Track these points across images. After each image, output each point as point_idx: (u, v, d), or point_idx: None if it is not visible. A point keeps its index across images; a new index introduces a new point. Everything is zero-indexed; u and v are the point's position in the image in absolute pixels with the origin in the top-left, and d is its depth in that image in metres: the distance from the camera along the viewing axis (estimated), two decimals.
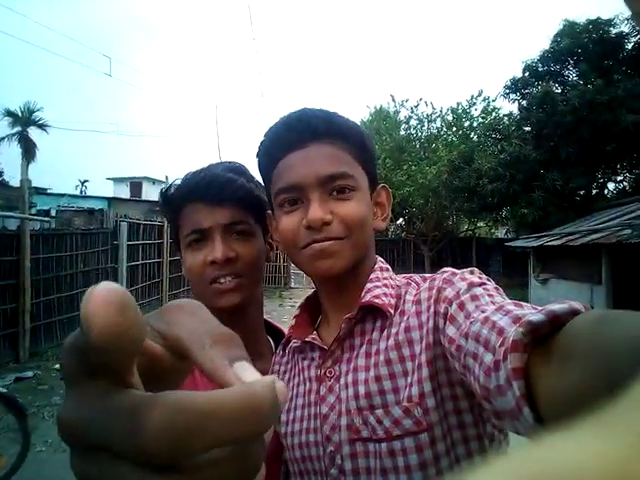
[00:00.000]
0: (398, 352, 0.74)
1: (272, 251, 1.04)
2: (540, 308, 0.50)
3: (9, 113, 30.30)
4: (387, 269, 0.87)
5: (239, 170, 0.99)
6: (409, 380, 0.72)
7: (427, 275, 0.83)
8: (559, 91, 13.11)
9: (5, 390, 3.87)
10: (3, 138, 30.30)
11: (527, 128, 13.46)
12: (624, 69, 12.49)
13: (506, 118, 15.08)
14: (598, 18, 12.89)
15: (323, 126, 0.80)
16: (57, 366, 6.66)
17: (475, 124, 17.48)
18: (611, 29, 12.78)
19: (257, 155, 0.87)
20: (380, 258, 0.89)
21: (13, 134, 30.40)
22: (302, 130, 0.80)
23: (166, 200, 0.99)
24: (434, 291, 0.74)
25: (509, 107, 25.17)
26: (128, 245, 9.60)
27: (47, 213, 13.44)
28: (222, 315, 0.90)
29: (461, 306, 0.66)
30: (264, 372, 0.85)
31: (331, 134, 0.80)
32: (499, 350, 0.50)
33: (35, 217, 8.98)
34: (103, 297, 0.21)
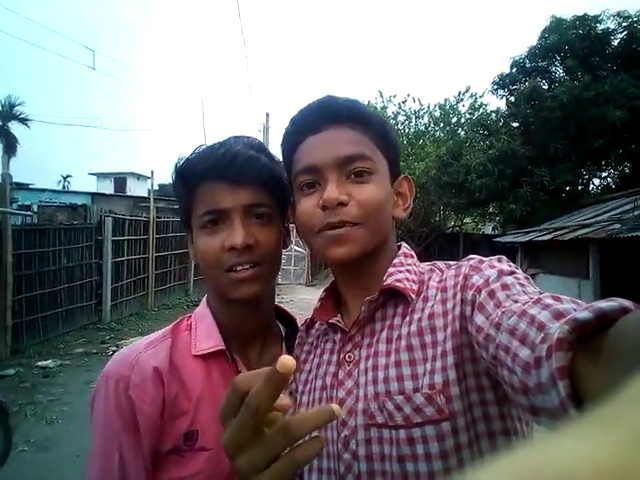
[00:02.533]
0: (420, 339, 0.73)
1: (288, 237, 0.96)
2: (587, 305, 0.49)
3: None
4: (411, 256, 0.86)
5: (260, 147, 0.91)
6: (429, 367, 0.70)
7: (451, 262, 0.82)
8: (546, 87, 13.19)
9: None
10: None
11: (515, 124, 13.53)
12: (610, 65, 12.60)
13: (494, 114, 15.15)
14: (585, 14, 12.97)
15: (345, 111, 0.80)
16: (40, 363, 6.51)
17: (462, 120, 17.57)
18: (598, 25, 12.86)
19: (281, 143, 0.88)
20: (406, 245, 0.88)
21: None
22: (323, 115, 0.81)
23: (180, 175, 0.89)
24: (460, 278, 0.73)
25: (497, 103, 25.34)
26: (113, 240, 9.43)
27: (28, 208, 13.17)
28: (237, 305, 0.88)
29: (491, 294, 0.65)
30: (274, 358, 0.77)
31: (352, 119, 0.80)
32: (540, 347, 0.49)
33: (17, 211, 8.77)
34: None
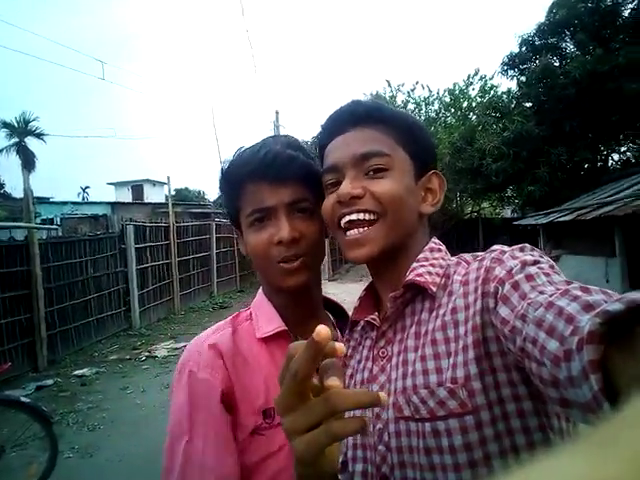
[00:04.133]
0: (444, 333, 0.74)
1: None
2: (618, 296, 0.48)
3: (5, 124, 30.26)
4: (439, 250, 0.86)
5: (297, 145, 0.97)
6: (452, 361, 0.71)
7: (479, 253, 0.81)
8: (558, 64, 12.94)
9: (29, 400, 3.87)
10: (1, 150, 30.30)
11: (528, 104, 13.31)
12: (622, 37, 12.27)
13: (505, 96, 14.93)
14: None
15: (364, 112, 0.84)
16: (76, 372, 6.68)
17: (473, 104, 17.35)
18: None
19: (317, 147, 0.94)
20: (435, 239, 0.89)
21: (11, 145, 30.38)
22: (345, 118, 0.85)
23: (226, 179, 0.97)
24: (482, 271, 0.73)
25: (507, 84, 24.96)
26: (136, 248, 9.59)
27: (52, 222, 13.44)
28: (288, 294, 0.97)
29: (515, 286, 0.64)
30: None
31: (372, 119, 0.84)
32: (570, 339, 0.49)
33: (43, 226, 8.98)
34: None
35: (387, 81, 18.73)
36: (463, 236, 17.06)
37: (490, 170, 12.52)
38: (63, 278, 7.72)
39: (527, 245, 0.74)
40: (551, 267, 0.67)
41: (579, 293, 0.54)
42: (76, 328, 7.91)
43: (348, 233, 0.81)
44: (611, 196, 8.54)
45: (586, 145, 12.05)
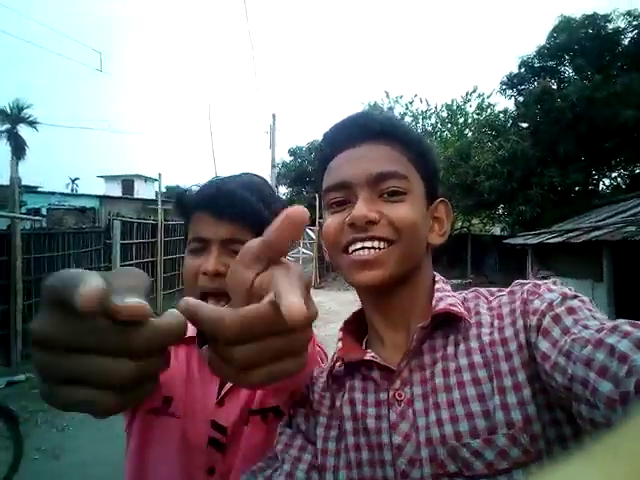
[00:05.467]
0: (487, 370, 0.67)
1: None
2: None
3: None
4: (447, 282, 0.81)
5: (253, 187, 1.00)
6: (498, 402, 0.64)
7: (493, 289, 0.77)
8: (555, 87, 13.10)
9: None
10: None
11: (524, 125, 13.44)
12: (621, 64, 12.51)
13: (502, 115, 15.07)
14: (594, 13, 12.90)
15: (380, 127, 0.76)
16: None
17: (470, 120, 17.49)
18: (607, 24, 12.79)
19: (314, 159, 0.82)
20: (437, 274, 0.82)
21: (2, 131, 29.99)
22: (357, 130, 0.76)
23: (179, 203, 1.03)
24: (518, 303, 0.69)
25: (505, 103, 25.21)
26: (121, 244, 9.42)
27: (37, 212, 13.24)
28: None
29: (556, 319, 0.60)
30: None
31: (387, 135, 0.76)
32: (626, 381, 0.46)
33: (26, 216, 8.79)
34: None
35: (386, 92, 18.87)
36: (452, 251, 17.08)
37: (483, 187, 12.59)
38: (44, 271, 7.50)
39: (557, 280, 0.71)
40: (590, 302, 0.64)
41: (629, 329, 0.51)
42: None
43: (355, 253, 0.71)
44: (602, 220, 8.59)
45: (579, 168, 12.18)
